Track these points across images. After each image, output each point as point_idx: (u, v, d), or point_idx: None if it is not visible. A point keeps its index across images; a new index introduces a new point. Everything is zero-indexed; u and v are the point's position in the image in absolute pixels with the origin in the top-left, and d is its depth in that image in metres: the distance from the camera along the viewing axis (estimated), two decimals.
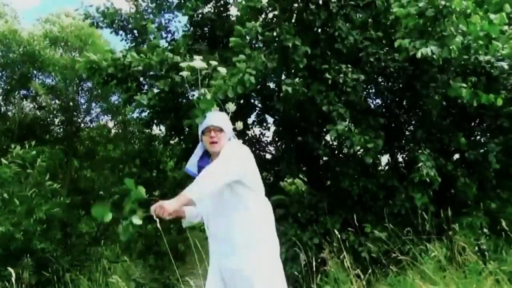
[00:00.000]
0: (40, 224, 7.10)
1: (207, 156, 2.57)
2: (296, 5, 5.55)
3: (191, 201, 2.17)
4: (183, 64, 2.69)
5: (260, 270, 2.36)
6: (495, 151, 5.24)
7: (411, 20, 4.45)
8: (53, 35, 9.43)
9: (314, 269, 3.98)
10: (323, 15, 5.34)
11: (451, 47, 4.27)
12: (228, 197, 2.40)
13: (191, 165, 2.57)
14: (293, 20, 5.75)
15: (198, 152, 2.60)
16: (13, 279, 2.96)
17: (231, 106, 2.77)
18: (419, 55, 4.25)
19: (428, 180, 4.79)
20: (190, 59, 5.37)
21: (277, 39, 5.16)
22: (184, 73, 2.72)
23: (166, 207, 2.11)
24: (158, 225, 2.79)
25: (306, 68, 5.32)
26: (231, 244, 2.40)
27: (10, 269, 3.24)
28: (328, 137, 6.70)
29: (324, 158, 6.78)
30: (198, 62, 2.62)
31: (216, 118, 2.56)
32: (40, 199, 7.28)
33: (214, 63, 2.76)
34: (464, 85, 4.72)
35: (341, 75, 5.23)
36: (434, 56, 4.27)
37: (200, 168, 2.49)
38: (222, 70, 2.81)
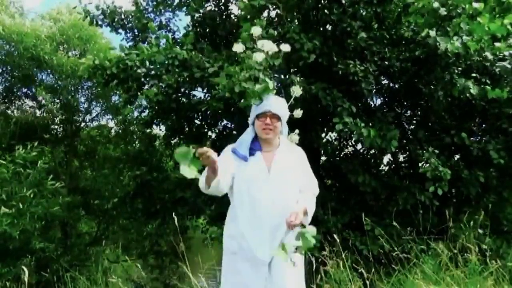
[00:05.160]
0: (39, 222, 7.09)
1: (257, 141, 2.42)
2: (305, 2, 5.56)
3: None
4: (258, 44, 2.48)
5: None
6: (496, 149, 5.26)
7: (415, 18, 4.48)
8: (57, 38, 9.41)
9: (314, 268, 3.98)
10: (336, 11, 5.34)
11: (471, 45, 4.31)
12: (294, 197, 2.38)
13: (242, 147, 2.39)
14: (296, 19, 5.76)
15: (248, 136, 2.42)
16: (25, 278, 2.89)
17: (297, 90, 2.54)
18: (449, 46, 4.24)
19: (438, 174, 4.79)
20: (195, 55, 5.37)
21: (280, 36, 5.17)
22: (239, 48, 2.55)
23: (300, 216, 2.21)
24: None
25: (310, 66, 5.32)
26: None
27: (24, 268, 3.19)
28: (329, 137, 6.73)
29: (324, 158, 6.79)
30: (268, 43, 2.43)
31: (276, 104, 2.39)
32: (40, 199, 7.27)
33: (284, 46, 2.56)
34: (470, 82, 4.74)
35: (351, 66, 5.23)
36: (449, 52, 4.30)
37: (251, 151, 2.37)
38: (286, 47, 2.59)
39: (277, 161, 2.38)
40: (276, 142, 2.44)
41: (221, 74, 2.77)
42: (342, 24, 5.43)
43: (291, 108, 2.53)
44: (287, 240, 2.28)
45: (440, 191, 4.87)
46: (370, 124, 5.23)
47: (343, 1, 5.42)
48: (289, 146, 2.49)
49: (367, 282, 3.84)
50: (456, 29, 4.43)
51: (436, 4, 4.35)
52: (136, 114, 8.68)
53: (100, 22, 6.76)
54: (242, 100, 2.87)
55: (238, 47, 2.56)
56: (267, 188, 2.31)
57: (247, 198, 2.33)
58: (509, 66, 4.85)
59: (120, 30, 7.00)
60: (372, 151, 6.40)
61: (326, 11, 5.43)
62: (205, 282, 3.70)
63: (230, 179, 2.35)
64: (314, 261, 3.90)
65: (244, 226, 2.32)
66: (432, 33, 4.45)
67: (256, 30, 2.58)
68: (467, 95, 4.84)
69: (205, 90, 6.46)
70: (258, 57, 2.54)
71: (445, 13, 4.34)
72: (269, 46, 2.42)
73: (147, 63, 5.48)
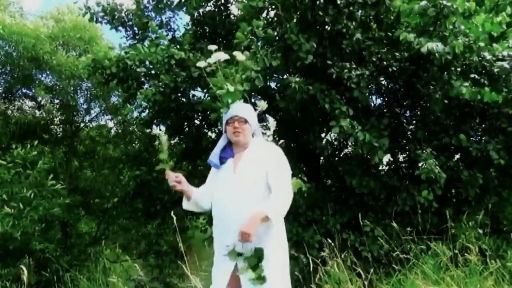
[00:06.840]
0: (39, 224, 7.09)
1: (230, 148, 2.57)
2: (302, 3, 5.55)
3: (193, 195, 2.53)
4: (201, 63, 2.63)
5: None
6: (495, 148, 5.25)
7: (413, 19, 4.46)
8: (59, 38, 9.40)
9: (313, 269, 3.98)
10: (331, 12, 5.34)
11: (455, 45, 4.28)
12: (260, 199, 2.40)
13: (214, 156, 2.56)
14: (295, 20, 5.75)
15: (221, 143, 2.60)
16: (24, 278, 2.89)
17: (262, 104, 2.71)
18: (425, 49, 4.25)
19: (433, 176, 4.78)
20: (194, 56, 5.38)
21: (278, 37, 5.16)
22: (201, 63, 2.69)
23: (250, 230, 2.18)
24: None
25: (308, 67, 5.31)
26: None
27: (23, 268, 3.19)
28: (329, 137, 6.72)
29: (324, 158, 6.78)
30: (220, 53, 2.59)
31: (241, 109, 2.56)
32: (40, 200, 7.26)
33: (237, 53, 2.72)
34: (466, 84, 4.73)
35: (346, 71, 5.22)
36: (437, 54, 4.29)
37: (222, 159, 2.53)
38: (241, 56, 2.77)
39: (243, 160, 2.50)
40: (248, 144, 2.55)
41: (218, 73, 2.75)
42: (338, 25, 5.42)
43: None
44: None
45: (431, 196, 4.87)
46: (368, 126, 5.22)
47: (338, 2, 5.41)
48: (262, 146, 2.57)
49: (366, 283, 3.84)
50: (450, 29, 4.41)
51: (423, 2, 4.33)
52: (136, 114, 8.67)
53: (100, 19, 6.74)
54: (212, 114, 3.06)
55: (219, 55, 2.64)
56: (232, 186, 2.44)
57: (217, 200, 2.50)
58: (508, 66, 4.84)
59: (120, 28, 7.00)
60: None
61: (320, 12, 5.42)
62: (203, 282, 3.70)
63: (210, 195, 2.54)
64: (311, 261, 3.90)
65: (216, 223, 2.50)
66: (410, 35, 4.43)
67: (213, 48, 2.76)
68: (462, 97, 4.84)
69: (204, 90, 6.46)
70: (239, 56, 2.75)
71: (434, 13, 4.32)
72: (220, 56, 2.61)
73: (147, 62, 5.49)
